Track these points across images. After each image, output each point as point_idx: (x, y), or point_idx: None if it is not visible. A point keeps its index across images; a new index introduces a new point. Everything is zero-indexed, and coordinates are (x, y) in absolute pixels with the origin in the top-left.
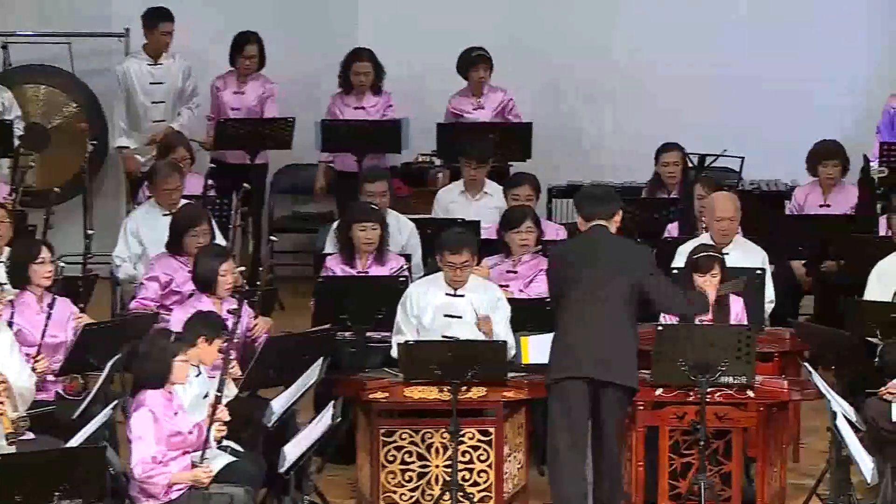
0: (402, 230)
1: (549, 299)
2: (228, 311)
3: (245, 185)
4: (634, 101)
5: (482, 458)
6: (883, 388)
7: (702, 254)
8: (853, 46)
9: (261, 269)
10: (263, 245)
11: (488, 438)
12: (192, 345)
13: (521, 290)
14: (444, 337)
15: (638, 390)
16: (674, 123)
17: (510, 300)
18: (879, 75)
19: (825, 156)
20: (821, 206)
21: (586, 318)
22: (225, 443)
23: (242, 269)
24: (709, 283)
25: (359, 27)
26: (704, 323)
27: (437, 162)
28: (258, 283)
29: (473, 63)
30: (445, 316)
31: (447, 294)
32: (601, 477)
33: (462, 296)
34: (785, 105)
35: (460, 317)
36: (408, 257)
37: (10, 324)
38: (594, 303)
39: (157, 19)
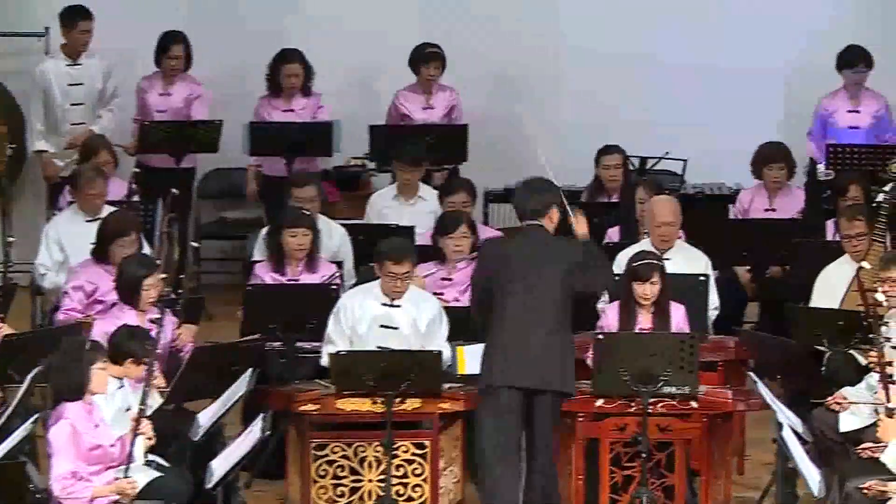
0: (333, 236)
1: (478, 301)
2: (150, 321)
3: (173, 190)
4: (574, 103)
5: (417, 472)
6: (830, 398)
7: (641, 261)
8: (796, 48)
9: (182, 276)
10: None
11: (423, 452)
12: (118, 363)
13: (456, 299)
14: (378, 348)
15: (574, 395)
16: (615, 126)
17: (445, 308)
18: (821, 77)
19: (770, 158)
20: (766, 210)
21: (520, 321)
22: (150, 458)
23: (164, 276)
24: (648, 292)
25: (287, 27)
26: (645, 331)
27: (370, 165)
28: (180, 290)
29: (426, 59)
30: (382, 327)
31: (384, 304)
32: (533, 486)
33: (399, 306)
34: (729, 107)
35: (397, 328)
36: (339, 264)
37: None
38: (528, 305)
39: (75, 18)
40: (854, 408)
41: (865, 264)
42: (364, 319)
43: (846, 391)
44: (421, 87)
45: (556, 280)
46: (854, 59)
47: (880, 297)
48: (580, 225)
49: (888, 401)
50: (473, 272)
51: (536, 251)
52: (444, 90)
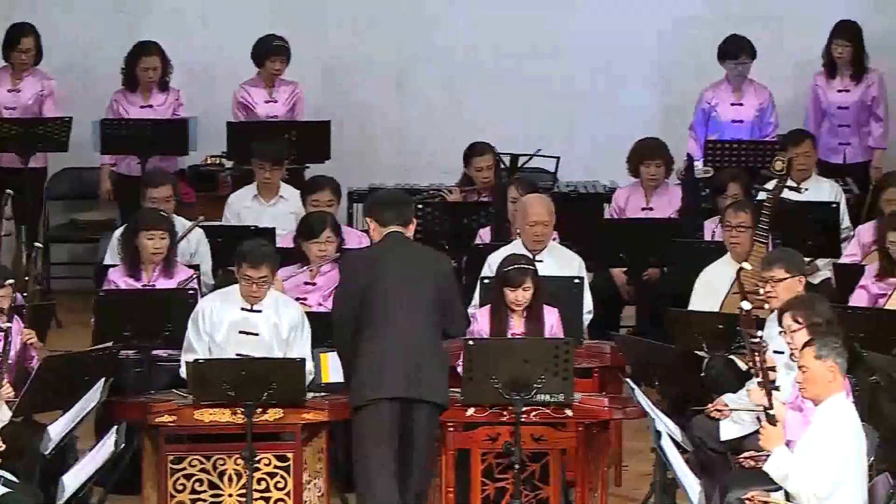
0: (190, 238)
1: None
2: None
3: (8, 191)
4: (443, 98)
5: (279, 485)
6: (710, 406)
7: (513, 266)
8: (666, 44)
9: (27, 278)
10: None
11: (286, 464)
12: None
13: (320, 304)
14: (237, 355)
15: (447, 407)
16: (485, 123)
17: (308, 314)
18: (695, 71)
19: (647, 155)
20: (643, 209)
21: (392, 331)
22: None
23: (12, 281)
24: (521, 299)
25: (146, 19)
26: (518, 336)
27: (228, 164)
28: (25, 294)
29: (270, 53)
30: (241, 333)
31: (243, 309)
32: (408, 499)
33: (259, 311)
34: (603, 102)
35: (257, 334)
36: (196, 267)
37: None
38: (399, 315)
39: None
40: (735, 415)
41: (746, 265)
42: (222, 325)
43: (727, 398)
44: (264, 80)
45: (428, 287)
46: (737, 50)
47: (746, 305)
48: None
49: (770, 407)
50: (337, 288)
51: (405, 259)
52: (287, 84)
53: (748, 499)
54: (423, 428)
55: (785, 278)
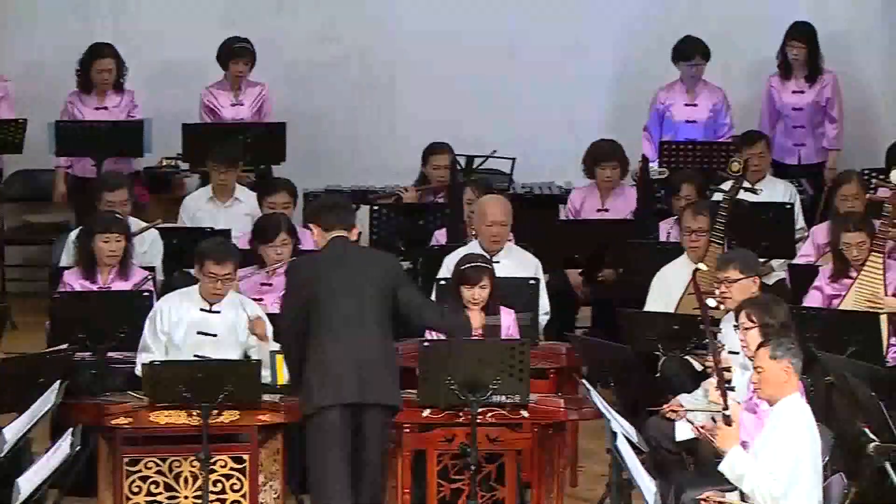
0: (144, 237)
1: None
2: None
3: None
4: (398, 100)
5: (235, 487)
6: (665, 406)
7: (469, 264)
8: (620, 44)
9: None
10: None
11: (242, 466)
12: None
13: (274, 303)
14: (195, 357)
15: (401, 409)
16: (440, 124)
17: (266, 315)
18: (650, 72)
19: (603, 157)
20: (598, 210)
21: (343, 336)
22: None
23: None
24: (477, 296)
25: (98, 21)
26: (474, 337)
27: (183, 166)
28: None
29: (235, 55)
30: (199, 333)
31: (202, 310)
32: (363, 502)
33: (218, 312)
34: (557, 104)
35: (215, 335)
36: (150, 269)
37: None
38: (350, 319)
39: None
40: (691, 416)
41: (702, 266)
42: (181, 325)
43: (682, 398)
44: (229, 82)
45: (372, 290)
46: (691, 51)
47: (711, 302)
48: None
49: (725, 408)
50: (284, 297)
51: (351, 263)
52: (253, 86)
53: (703, 499)
54: (375, 432)
55: (739, 279)
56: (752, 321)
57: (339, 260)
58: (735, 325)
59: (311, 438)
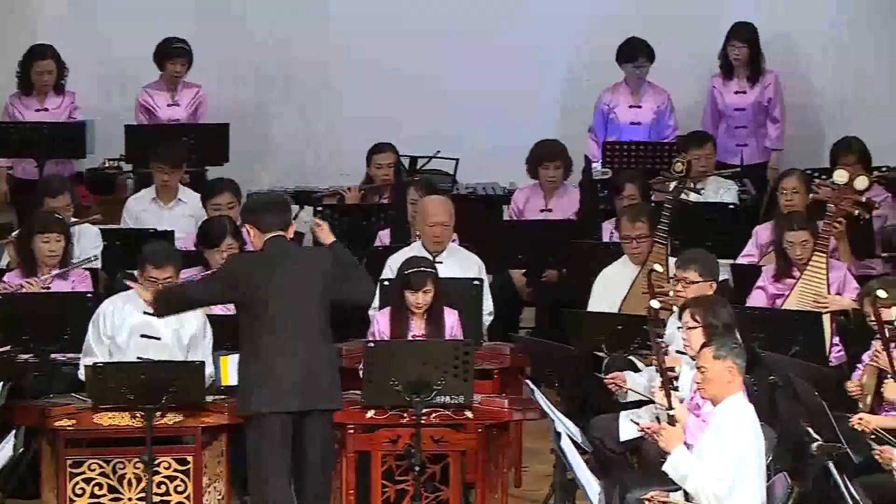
0: (83, 238)
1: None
2: None
3: None
4: (342, 101)
5: (179, 489)
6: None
7: (413, 269)
8: (564, 45)
9: None
10: None
11: (186, 468)
12: None
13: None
14: (138, 359)
15: (341, 408)
16: (384, 125)
17: (209, 317)
18: (594, 73)
19: (546, 157)
20: (542, 210)
21: (287, 342)
22: None
23: None
24: (421, 301)
25: (43, 22)
26: (417, 338)
27: (126, 167)
28: None
29: (171, 56)
30: (142, 336)
31: (146, 313)
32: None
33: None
34: (500, 104)
35: (159, 338)
36: (94, 271)
37: None
38: (293, 324)
39: None
40: (633, 415)
41: (658, 267)
42: (124, 328)
43: (628, 375)
44: (166, 83)
45: (313, 291)
46: (635, 53)
47: (655, 303)
48: (323, 233)
49: (670, 408)
50: (209, 278)
51: (290, 265)
52: (189, 87)
53: (647, 499)
54: (318, 436)
55: (697, 282)
56: (696, 321)
57: (279, 262)
58: (679, 326)
59: (251, 440)
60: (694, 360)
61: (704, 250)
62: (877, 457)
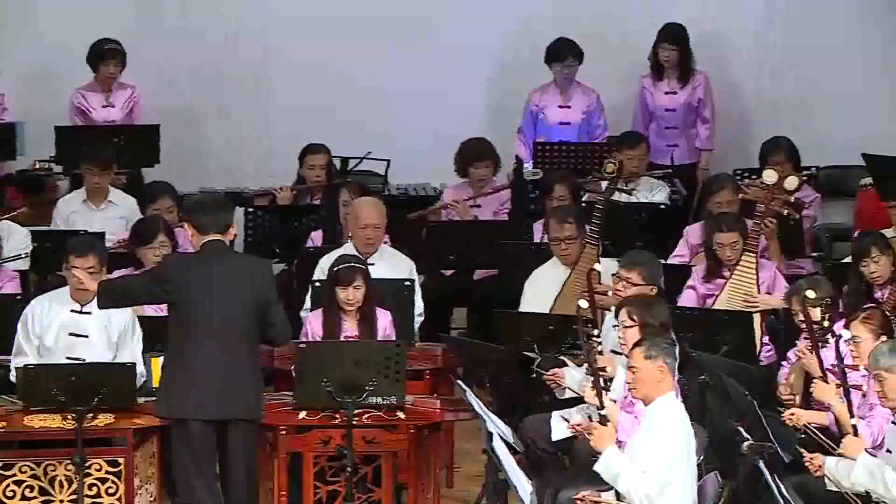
0: (12, 237)
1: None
2: None
3: None
4: (273, 102)
5: (111, 490)
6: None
7: (343, 265)
8: (494, 45)
9: None
10: None
11: (117, 470)
12: None
13: (148, 306)
14: (68, 359)
15: (262, 418)
16: (314, 126)
17: (140, 318)
18: (523, 72)
19: (475, 155)
20: (471, 207)
21: (211, 350)
22: None
23: None
24: (352, 297)
25: None
26: (350, 339)
27: (57, 169)
28: None
29: (103, 57)
30: (70, 335)
31: (73, 311)
32: None
33: (89, 313)
34: (430, 105)
35: (87, 336)
36: (23, 273)
37: None
38: (219, 332)
39: None
40: (565, 415)
41: (598, 266)
42: (52, 327)
43: (566, 371)
44: (100, 84)
45: (244, 299)
46: (563, 53)
47: (583, 303)
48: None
49: (601, 407)
50: (140, 275)
51: (224, 272)
52: (124, 88)
53: (579, 499)
54: (240, 445)
55: (639, 284)
56: (633, 320)
57: (213, 266)
58: (615, 324)
59: (175, 445)
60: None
61: (649, 254)
62: (807, 464)
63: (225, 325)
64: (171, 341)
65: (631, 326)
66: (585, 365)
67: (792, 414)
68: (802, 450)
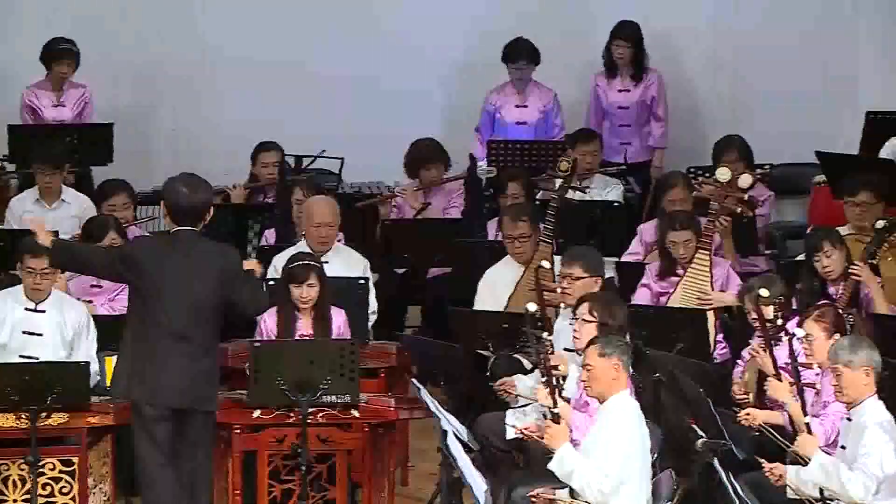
0: None
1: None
2: None
3: None
4: (226, 100)
5: (64, 490)
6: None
7: (297, 263)
8: (451, 43)
9: None
10: None
11: (71, 469)
12: None
13: (103, 304)
14: (21, 357)
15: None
16: (268, 124)
17: (94, 317)
18: (480, 72)
19: (426, 155)
20: (423, 204)
21: (172, 340)
22: None
23: None
24: (306, 295)
25: None
26: (305, 337)
27: (9, 167)
28: None
29: (57, 57)
30: (24, 333)
31: (27, 309)
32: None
33: (44, 311)
34: (385, 104)
35: (41, 334)
36: None
37: None
38: (178, 317)
39: None
40: (520, 413)
41: (545, 263)
42: (6, 325)
43: (518, 379)
44: (52, 83)
45: (207, 289)
46: (518, 53)
47: (531, 306)
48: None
49: (554, 406)
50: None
51: (189, 257)
52: (75, 87)
53: (534, 496)
54: (199, 436)
55: (582, 277)
56: (592, 316)
57: (182, 253)
58: (572, 320)
59: (134, 426)
60: (580, 355)
61: (588, 247)
62: (767, 474)
63: (185, 314)
64: (132, 325)
65: (589, 322)
66: (538, 368)
67: (747, 414)
68: (762, 460)
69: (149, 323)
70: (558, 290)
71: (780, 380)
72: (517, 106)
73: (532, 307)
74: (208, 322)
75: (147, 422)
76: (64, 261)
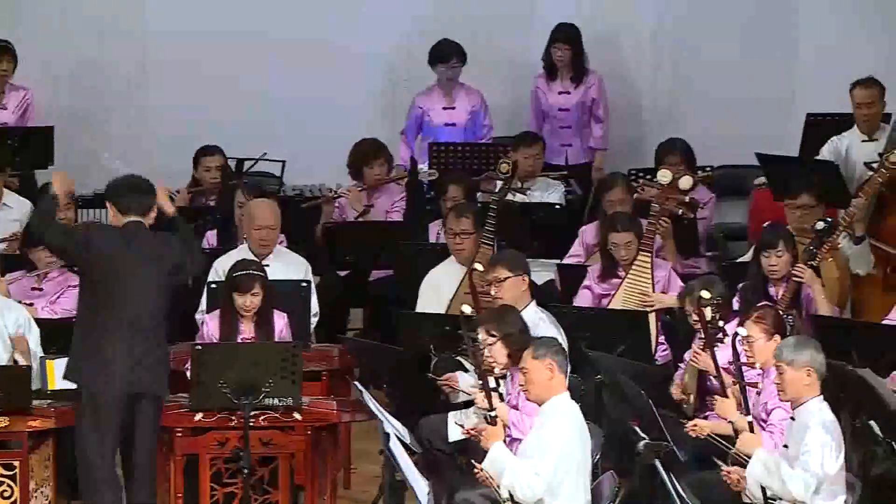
0: None
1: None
2: None
3: None
4: (167, 103)
5: (6, 494)
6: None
7: (241, 272)
8: (387, 46)
9: None
10: None
11: (12, 473)
12: None
13: (44, 308)
14: None
15: (166, 398)
16: (209, 127)
17: (35, 320)
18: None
19: (369, 155)
20: (365, 206)
21: (119, 322)
22: None
23: None
24: (249, 304)
25: None
26: (247, 341)
27: None
28: None
29: None
30: None
31: None
32: (135, 489)
33: None
34: (325, 106)
35: None
36: None
37: None
38: (129, 304)
39: None
40: (462, 415)
41: (478, 266)
42: None
43: (461, 376)
44: None
45: (156, 279)
46: (447, 54)
47: (467, 309)
48: (167, 204)
49: (491, 409)
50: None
51: (139, 249)
52: (17, 90)
53: (478, 469)
54: (146, 420)
55: (508, 277)
56: (493, 335)
57: (132, 245)
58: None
59: (79, 415)
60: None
61: (509, 249)
62: (724, 478)
63: (136, 303)
64: (83, 311)
65: (494, 343)
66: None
67: (695, 425)
68: (721, 462)
69: (98, 309)
70: (492, 293)
71: (722, 381)
72: (445, 108)
73: (467, 309)
74: (155, 310)
75: (99, 410)
76: (43, 227)
